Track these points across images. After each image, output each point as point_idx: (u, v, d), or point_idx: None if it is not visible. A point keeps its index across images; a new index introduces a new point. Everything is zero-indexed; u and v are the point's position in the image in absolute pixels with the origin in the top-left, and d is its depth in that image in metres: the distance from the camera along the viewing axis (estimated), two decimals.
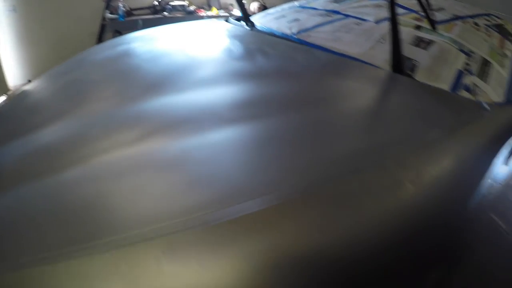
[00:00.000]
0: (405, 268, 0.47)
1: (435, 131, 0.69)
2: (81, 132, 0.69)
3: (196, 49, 1.24)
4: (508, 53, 1.41)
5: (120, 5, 3.44)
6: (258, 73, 0.97)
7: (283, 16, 1.59)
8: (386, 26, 1.28)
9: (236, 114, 0.70)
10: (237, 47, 1.27)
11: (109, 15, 3.41)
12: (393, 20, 1.00)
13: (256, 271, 0.38)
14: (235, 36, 1.40)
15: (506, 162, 0.71)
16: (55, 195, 0.52)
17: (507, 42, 1.48)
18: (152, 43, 1.37)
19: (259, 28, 1.51)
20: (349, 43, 1.19)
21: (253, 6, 4.13)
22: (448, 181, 0.60)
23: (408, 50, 1.14)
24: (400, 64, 1.01)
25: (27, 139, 0.70)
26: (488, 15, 1.74)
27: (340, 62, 1.08)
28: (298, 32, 1.35)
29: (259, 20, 1.66)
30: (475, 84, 1.09)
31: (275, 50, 1.19)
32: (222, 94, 0.80)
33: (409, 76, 1.04)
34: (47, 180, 0.55)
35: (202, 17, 3.84)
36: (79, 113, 0.77)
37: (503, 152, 0.71)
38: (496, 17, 1.75)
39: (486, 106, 0.91)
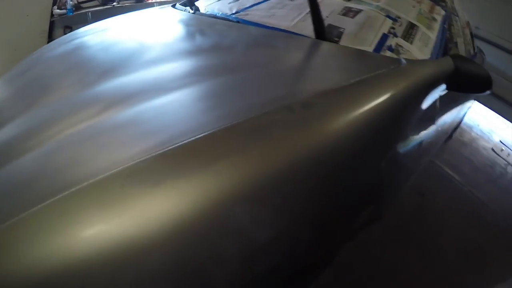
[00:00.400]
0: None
1: (344, 80, 0.81)
2: (50, 116, 0.78)
3: (143, 36, 1.28)
4: (437, 17, 1.51)
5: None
6: (196, 50, 1.06)
7: None
8: None
9: (177, 83, 0.80)
10: (180, 30, 1.32)
11: (57, 11, 3.31)
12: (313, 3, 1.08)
13: (192, 183, 0.52)
14: (179, 21, 1.44)
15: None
16: (40, 161, 0.63)
17: (438, 8, 1.59)
18: (103, 35, 1.39)
19: (202, 12, 1.56)
20: (281, 17, 1.25)
21: None
22: (354, 122, 0.71)
23: (337, 19, 1.23)
24: (322, 31, 1.10)
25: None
26: None
27: (268, 34, 1.16)
28: (237, 12, 1.40)
29: (204, 3, 1.71)
30: (398, 45, 1.18)
31: (213, 30, 1.24)
32: (165, 70, 0.90)
33: (333, 41, 1.13)
34: (33, 153, 0.65)
35: (151, 4, 3.79)
36: (44, 102, 0.86)
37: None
38: None
39: (403, 61, 1.00)
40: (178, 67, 0.92)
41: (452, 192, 2.65)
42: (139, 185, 0.51)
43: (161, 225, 0.48)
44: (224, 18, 1.37)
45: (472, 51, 2.31)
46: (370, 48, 1.11)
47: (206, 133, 0.58)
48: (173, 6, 1.77)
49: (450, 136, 3.14)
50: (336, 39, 1.14)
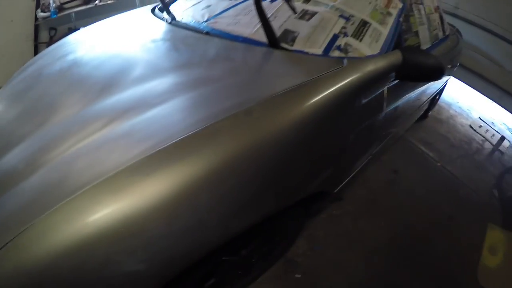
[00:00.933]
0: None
1: (285, 87, 1.01)
2: (62, 132, 0.97)
3: (128, 51, 1.43)
4: (393, 11, 1.63)
5: (51, 1, 3.38)
6: (173, 66, 1.24)
7: (199, 2, 1.77)
8: (278, 3, 1.49)
9: (159, 99, 1.02)
10: (159, 45, 1.45)
11: (41, 14, 3.37)
12: (258, 5, 1.21)
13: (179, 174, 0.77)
14: (158, 34, 1.57)
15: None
16: (64, 167, 0.85)
17: (396, 1, 1.71)
18: (91, 49, 1.53)
19: (177, 21, 1.68)
20: (245, 25, 1.39)
21: None
22: (291, 122, 0.94)
23: (293, 23, 1.38)
24: (273, 40, 1.27)
25: (11, 153, 0.96)
26: None
27: (230, 47, 1.32)
28: (208, 20, 1.54)
29: (181, 7, 1.84)
30: (347, 44, 1.33)
31: (186, 45, 1.40)
32: (149, 87, 1.10)
33: (284, 48, 1.30)
34: (55, 161, 0.87)
35: (133, 2, 3.82)
36: (53, 121, 1.05)
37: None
38: None
39: (345, 62, 1.16)
40: (159, 84, 1.11)
41: (425, 168, 2.80)
42: (137, 175, 0.76)
43: (152, 201, 0.73)
44: (196, 29, 1.50)
45: (441, 34, 2.44)
46: (320, 50, 1.27)
47: (177, 139, 0.82)
48: (152, 10, 1.90)
49: (425, 115, 3.30)
50: (291, 43, 1.30)
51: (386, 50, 1.43)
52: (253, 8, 1.47)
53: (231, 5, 1.58)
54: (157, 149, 0.80)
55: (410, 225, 2.14)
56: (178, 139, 0.82)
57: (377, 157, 2.32)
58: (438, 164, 2.88)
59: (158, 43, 1.44)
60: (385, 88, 1.37)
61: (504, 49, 4.37)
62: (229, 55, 1.26)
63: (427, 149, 3.02)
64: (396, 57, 1.39)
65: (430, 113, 3.42)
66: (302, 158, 1.05)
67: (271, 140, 0.90)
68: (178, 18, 1.68)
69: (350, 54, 1.30)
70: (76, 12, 3.59)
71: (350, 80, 1.12)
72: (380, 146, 1.85)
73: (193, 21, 1.58)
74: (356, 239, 1.92)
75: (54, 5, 3.40)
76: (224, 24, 1.47)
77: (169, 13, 1.74)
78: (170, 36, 1.52)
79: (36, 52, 3.43)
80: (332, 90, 1.05)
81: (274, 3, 1.46)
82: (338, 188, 1.52)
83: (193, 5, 1.78)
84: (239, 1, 1.57)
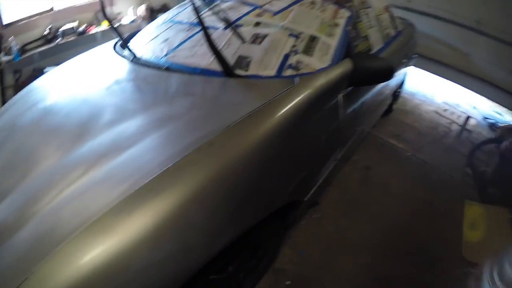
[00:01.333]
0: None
1: (241, 114, 1.11)
2: (46, 183, 1.03)
3: (94, 95, 1.48)
4: (340, 21, 1.75)
5: (12, 44, 3.37)
6: (138, 108, 1.31)
7: (157, 36, 1.84)
8: (231, 31, 1.58)
9: (129, 142, 1.10)
10: (124, 87, 1.49)
11: (4, 58, 3.35)
12: (206, 34, 1.28)
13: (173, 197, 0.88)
14: (121, 74, 1.61)
15: None
16: (52, 217, 0.91)
17: (342, 11, 1.83)
18: (59, 96, 1.56)
19: (138, 58, 1.71)
20: (201, 56, 1.46)
21: (141, 10, 4.31)
22: (251, 147, 1.05)
23: (246, 49, 1.46)
24: (227, 69, 1.35)
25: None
26: None
27: (188, 81, 1.40)
28: (167, 54, 1.61)
29: (140, 42, 1.90)
30: (299, 61, 1.43)
31: (148, 84, 1.46)
32: (119, 131, 1.17)
33: (240, 74, 1.38)
34: (39, 215, 0.93)
35: (94, 37, 3.87)
36: (35, 173, 1.10)
37: None
38: None
39: (297, 80, 1.26)
40: (128, 126, 1.19)
41: (397, 160, 2.92)
42: (120, 215, 0.83)
43: (136, 236, 0.81)
44: (156, 65, 1.56)
45: (393, 32, 2.58)
46: (273, 71, 1.36)
47: (151, 178, 0.91)
48: (114, 47, 1.95)
49: (390, 109, 3.43)
50: (245, 69, 1.39)
51: (336, 60, 1.54)
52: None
53: (187, 36, 1.65)
54: (135, 189, 0.88)
55: (390, 217, 2.23)
56: (152, 177, 0.91)
57: (348, 157, 2.43)
58: (408, 153, 3.01)
59: (122, 84, 1.50)
60: (340, 96, 1.48)
61: (458, 33, 4.61)
62: (189, 90, 1.35)
63: (396, 141, 3.14)
64: (346, 66, 1.49)
65: (394, 106, 3.55)
66: (267, 175, 1.14)
67: (235, 164, 1.00)
68: (139, 54, 1.74)
69: (302, 71, 1.40)
70: (39, 52, 3.57)
71: (302, 97, 1.22)
72: (346, 147, 1.95)
73: (153, 57, 1.65)
74: (339, 238, 2.00)
75: (16, 47, 3.38)
76: (182, 57, 1.54)
77: (129, 50, 1.80)
78: (133, 75, 1.58)
79: (3, 96, 3.41)
80: (286, 109, 1.16)
81: (227, 30, 1.54)
82: (309, 195, 1.61)
83: (152, 39, 1.84)
84: (195, 32, 1.65)
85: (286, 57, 1.43)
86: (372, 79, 1.58)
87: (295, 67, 1.40)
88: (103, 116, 1.28)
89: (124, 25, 4.20)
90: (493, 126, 3.95)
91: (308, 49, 1.49)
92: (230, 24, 1.46)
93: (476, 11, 4.42)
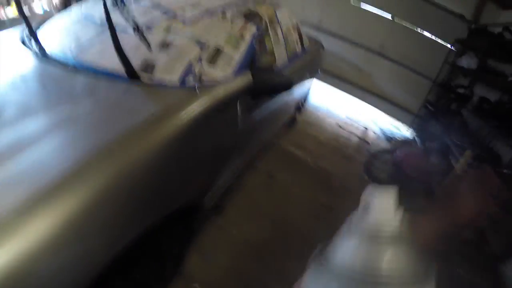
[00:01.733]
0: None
1: (139, 120, 1.14)
2: None
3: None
4: (247, 35, 1.87)
5: None
6: (42, 106, 1.24)
7: (67, 30, 1.77)
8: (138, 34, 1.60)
9: (30, 142, 1.03)
10: (28, 83, 1.40)
11: None
12: (113, 34, 1.31)
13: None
14: (27, 68, 1.49)
15: None
16: None
17: (249, 25, 1.96)
18: None
19: (45, 52, 1.61)
20: (109, 57, 1.43)
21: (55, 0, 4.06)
22: (148, 152, 1.09)
23: (153, 53, 1.50)
24: (130, 71, 1.37)
25: None
26: (245, 3, 2.22)
27: (92, 83, 1.37)
28: (75, 51, 1.55)
29: (49, 34, 1.80)
30: (201, 70, 1.51)
31: (55, 82, 1.39)
32: (21, 129, 1.10)
33: (144, 79, 1.40)
34: None
35: (3, 23, 3.48)
36: None
37: None
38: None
39: (197, 90, 1.34)
40: (29, 125, 1.12)
41: (299, 168, 3.15)
42: (19, 218, 0.79)
43: (37, 240, 0.78)
44: (63, 62, 1.49)
45: (298, 49, 2.81)
46: (176, 79, 1.42)
47: (52, 180, 0.88)
48: (21, 36, 1.81)
49: (294, 121, 3.68)
50: (150, 74, 1.42)
51: (239, 72, 1.65)
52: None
53: (97, 35, 1.62)
54: (35, 192, 0.85)
55: (292, 221, 2.40)
56: (52, 180, 0.89)
57: (251, 165, 2.57)
58: (309, 162, 3.27)
59: (27, 79, 1.41)
60: (239, 106, 1.59)
61: (362, 55, 5.15)
62: (94, 92, 1.32)
63: (298, 151, 3.40)
64: (246, 79, 1.61)
65: (298, 118, 3.80)
66: (165, 178, 1.19)
67: (133, 168, 1.03)
68: (46, 47, 1.65)
69: (204, 80, 1.48)
70: None
71: (201, 106, 1.30)
72: (248, 154, 2.08)
73: (61, 53, 1.58)
74: (243, 241, 2.11)
75: None
76: (90, 56, 1.50)
77: (37, 41, 1.71)
78: (39, 71, 1.49)
79: None
80: (185, 117, 1.22)
81: (136, 33, 1.56)
82: (212, 200, 1.69)
83: (61, 32, 1.77)
84: (105, 30, 1.61)
85: (190, 65, 1.49)
86: (270, 91, 1.73)
87: (197, 76, 1.47)
88: (4, 112, 1.19)
89: (36, 13, 3.90)
90: (389, 138, 4.48)
91: (212, 60, 1.58)
92: (138, 28, 1.48)
93: (381, 36, 4.99)
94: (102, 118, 1.18)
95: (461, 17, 4.43)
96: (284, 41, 2.47)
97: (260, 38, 2.01)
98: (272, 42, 2.21)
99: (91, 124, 1.14)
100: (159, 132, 1.14)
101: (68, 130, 1.10)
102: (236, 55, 1.71)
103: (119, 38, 1.37)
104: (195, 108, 1.28)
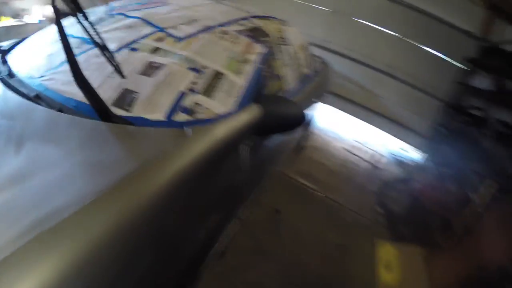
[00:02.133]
0: None
1: (114, 177, 0.84)
2: None
3: None
4: (251, 56, 1.57)
5: None
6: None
7: (41, 49, 1.47)
8: (124, 54, 1.31)
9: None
10: None
11: None
12: (74, 66, 1.01)
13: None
14: None
15: None
16: None
17: (255, 45, 1.66)
18: None
19: (12, 75, 1.32)
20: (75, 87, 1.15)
21: (48, 10, 3.81)
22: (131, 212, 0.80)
23: (134, 81, 1.19)
24: (102, 110, 1.03)
25: None
26: (247, 18, 1.93)
27: (60, 122, 1.05)
28: (43, 75, 1.25)
29: (19, 54, 1.51)
30: (196, 103, 1.20)
31: (18, 112, 1.09)
32: None
33: (118, 119, 1.07)
34: None
35: None
36: None
37: None
38: (263, 17, 2.01)
39: (189, 133, 1.03)
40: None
41: (307, 201, 2.84)
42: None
43: None
44: (28, 88, 1.20)
45: (308, 71, 2.51)
46: (161, 115, 1.10)
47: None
48: None
49: (300, 147, 3.37)
50: (128, 108, 1.10)
51: (243, 104, 1.35)
52: (94, 60, 1.26)
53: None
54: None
55: (301, 265, 2.11)
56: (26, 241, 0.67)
57: (257, 200, 2.25)
58: (319, 193, 2.97)
59: None
60: (243, 147, 1.28)
61: (370, 75, 4.89)
62: (54, 133, 1.00)
63: (306, 181, 3.09)
64: (254, 113, 1.32)
65: (304, 144, 3.50)
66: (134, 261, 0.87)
67: (116, 230, 0.77)
68: (15, 69, 1.36)
69: (199, 116, 1.16)
70: None
71: (194, 155, 0.99)
72: (251, 193, 1.76)
73: (28, 76, 1.28)
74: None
75: None
76: (59, 82, 1.20)
77: (4, 63, 1.43)
78: (2, 96, 1.21)
79: None
80: (172, 170, 0.91)
81: (120, 52, 1.28)
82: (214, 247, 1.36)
83: (33, 52, 1.48)
84: (83, 50, 1.31)
85: (182, 96, 1.18)
86: (281, 129, 1.43)
87: (190, 110, 1.16)
88: None
89: (27, 24, 3.63)
90: (400, 163, 4.18)
91: (210, 88, 1.27)
92: (106, 49, 1.16)
93: (389, 56, 4.76)
94: (61, 175, 0.86)
95: (469, 34, 4.21)
96: (293, 62, 2.18)
97: (268, 61, 1.71)
98: (280, 65, 1.92)
99: (44, 185, 0.82)
100: (138, 194, 0.83)
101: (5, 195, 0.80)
102: (240, 81, 1.41)
103: (91, 62, 1.08)
104: (185, 160, 0.96)
